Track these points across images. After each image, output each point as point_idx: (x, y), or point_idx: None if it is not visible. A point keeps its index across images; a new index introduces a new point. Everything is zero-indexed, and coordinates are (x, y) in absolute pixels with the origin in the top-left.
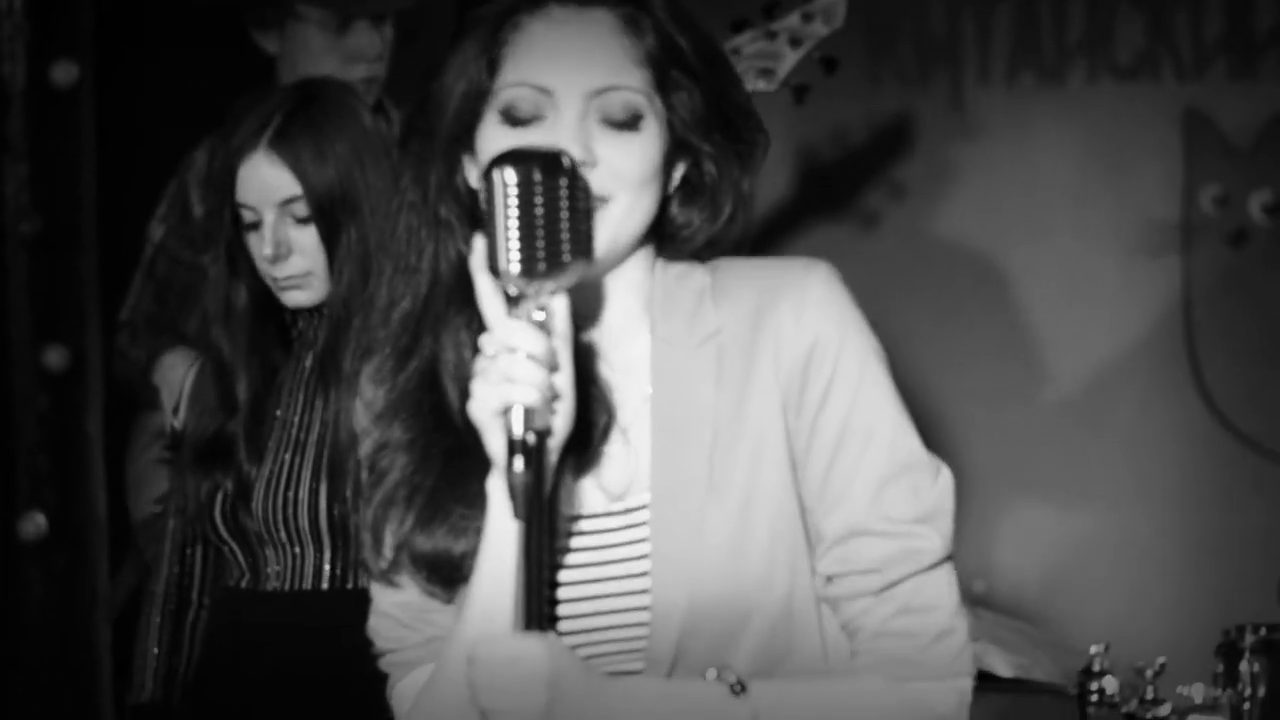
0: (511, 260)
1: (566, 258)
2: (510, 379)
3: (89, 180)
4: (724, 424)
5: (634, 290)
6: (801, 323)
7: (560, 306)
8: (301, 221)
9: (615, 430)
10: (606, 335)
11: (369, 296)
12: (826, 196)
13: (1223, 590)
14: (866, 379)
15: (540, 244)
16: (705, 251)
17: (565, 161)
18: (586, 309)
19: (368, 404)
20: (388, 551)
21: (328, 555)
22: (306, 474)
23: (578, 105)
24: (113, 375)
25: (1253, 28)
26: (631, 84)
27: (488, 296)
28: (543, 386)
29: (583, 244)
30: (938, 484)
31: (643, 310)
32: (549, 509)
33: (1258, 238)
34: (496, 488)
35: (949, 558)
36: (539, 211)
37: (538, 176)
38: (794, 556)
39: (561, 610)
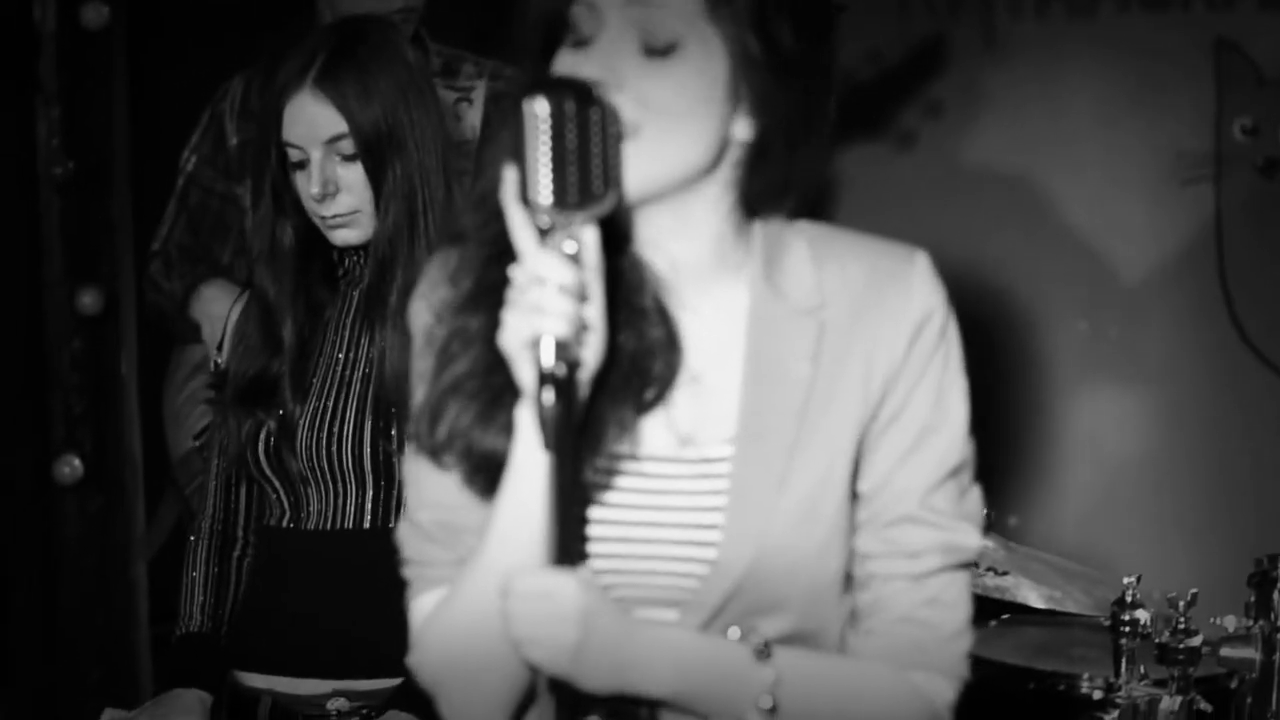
0: (543, 192)
1: (598, 189)
2: (540, 310)
3: (121, 122)
4: (815, 398)
5: (714, 235)
6: (906, 310)
7: (591, 238)
8: (348, 159)
9: (686, 373)
10: (683, 277)
11: (420, 229)
12: (862, 115)
13: (1255, 520)
14: (951, 372)
15: (572, 176)
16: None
17: (599, 93)
18: (664, 244)
19: (437, 301)
20: (441, 435)
21: (370, 494)
22: (351, 412)
23: (616, 18)
24: (146, 306)
25: None
26: (672, 2)
27: (519, 227)
28: (573, 318)
29: (615, 176)
30: (975, 488)
31: (723, 259)
32: (606, 441)
33: None
34: (525, 418)
35: (973, 564)
36: (571, 143)
37: (570, 108)
38: (844, 541)
39: (608, 548)
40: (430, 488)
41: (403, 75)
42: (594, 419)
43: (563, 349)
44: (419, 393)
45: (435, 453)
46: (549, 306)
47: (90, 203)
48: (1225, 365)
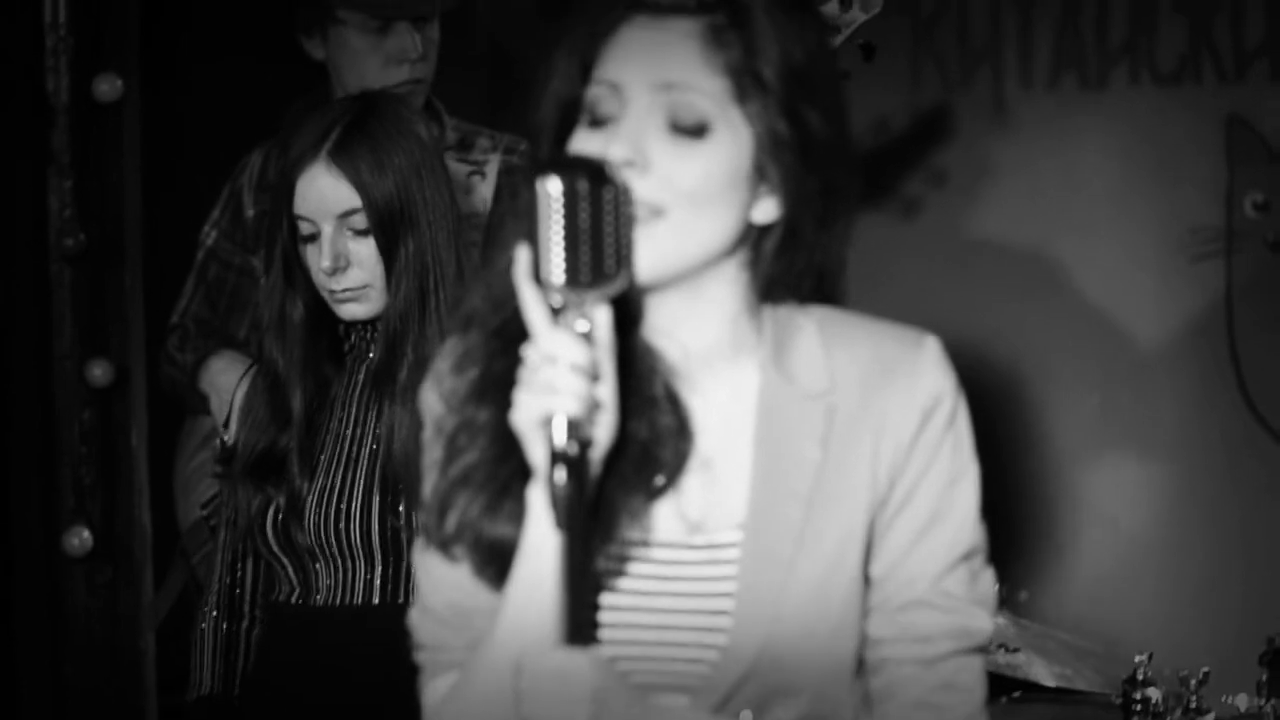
0: (555, 271)
1: (611, 269)
2: (553, 389)
3: (133, 194)
4: (824, 482)
5: (727, 319)
6: (914, 396)
7: (604, 317)
8: (360, 234)
9: (696, 459)
10: (694, 362)
11: (431, 306)
12: (867, 182)
13: (1268, 597)
14: (961, 458)
15: (585, 255)
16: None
17: (613, 172)
18: (675, 331)
19: (447, 391)
20: (451, 527)
21: (379, 570)
22: (359, 488)
23: (643, 99)
24: (160, 379)
25: None
26: (702, 86)
27: (532, 305)
28: (585, 397)
29: (628, 256)
30: (988, 571)
31: (734, 342)
32: (617, 528)
33: None
34: (537, 498)
35: (986, 647)
36: (584, 222)
37: (584, 187)
38: (856, 627)
39: (620, 634)
40: (442, 577)
41: (416, 151)
42: (605, 505)
43: (575, 428)
44: (429, 483)
45: (445, 545)
46: (561, 385)
47: (101, 275)
48: (1236, 440)
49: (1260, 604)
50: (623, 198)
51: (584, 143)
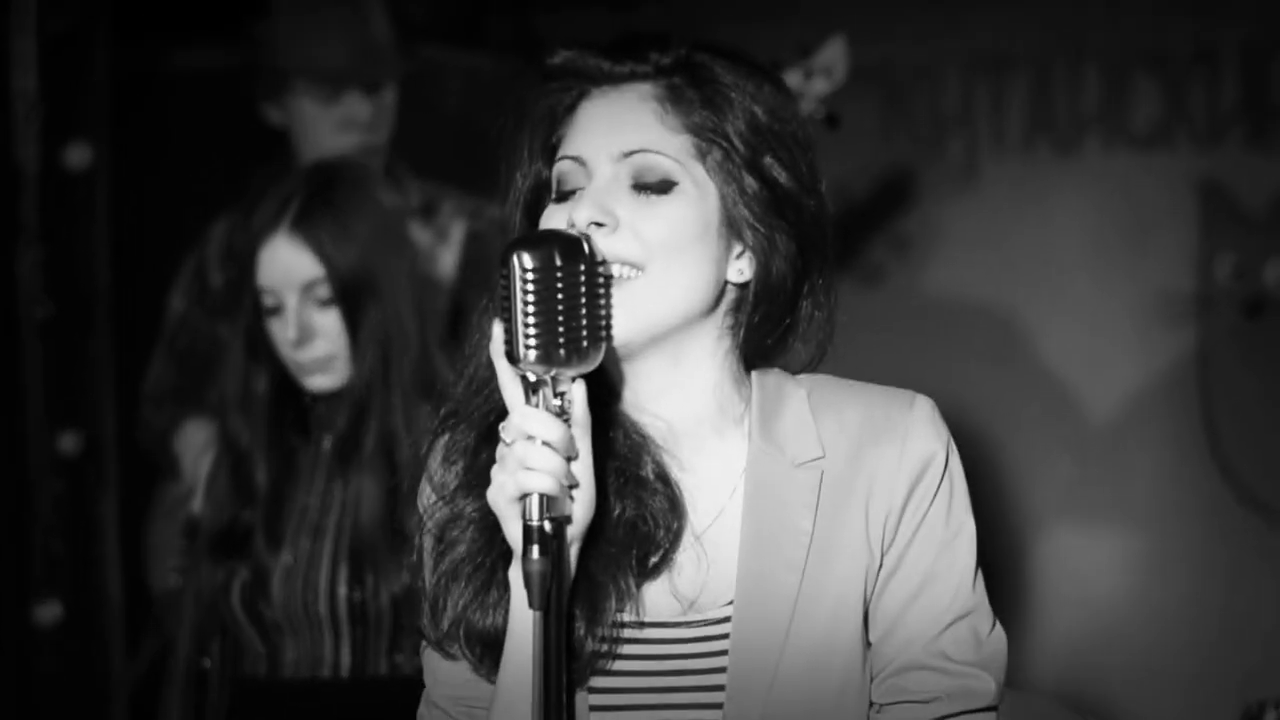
0: (529, 347)
1: (585, 344)
2: (527, 466)
3: (103, 263)
4: (816, 551)
5: (710, 388)
6: (903, 459)
7: (579, 393)
8: (324, 304)
9: (688, 536)
10: (681, 437)
11: (395, 375)
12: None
13: (1243, 664)
14: (956, 518)
15: (559, 330)
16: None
17: (586, 246)
18: (659, 403)
19: (438, 484)
20: (445, 624)
21: (346, 642)
22: (325, 560)
23: (606, 169)
24: (138, 446)
25: (1268, 96)
26: (663, 149)
27: (506, 382)
28: (560, 474)
29: (601, 330)
30: (995, 633)
31: (719, 413)
32: (609, 610)
33: (1273, 307)
34: (515, 578)
35: (995, 708)
36: (558, 297)
37: (557, 261)
38: (861, 693)
39: (621, 717)
40: (443, 673)
41: (378, 219)
42: (596, 587)
43: (550, 505)
44: (426, 577)
45: (441, 644)
46: (536, 463)
47: (71, 344)
48: (1210, 505)
49: (1236, 670)
50: (597, 271)
51: (553, 216)
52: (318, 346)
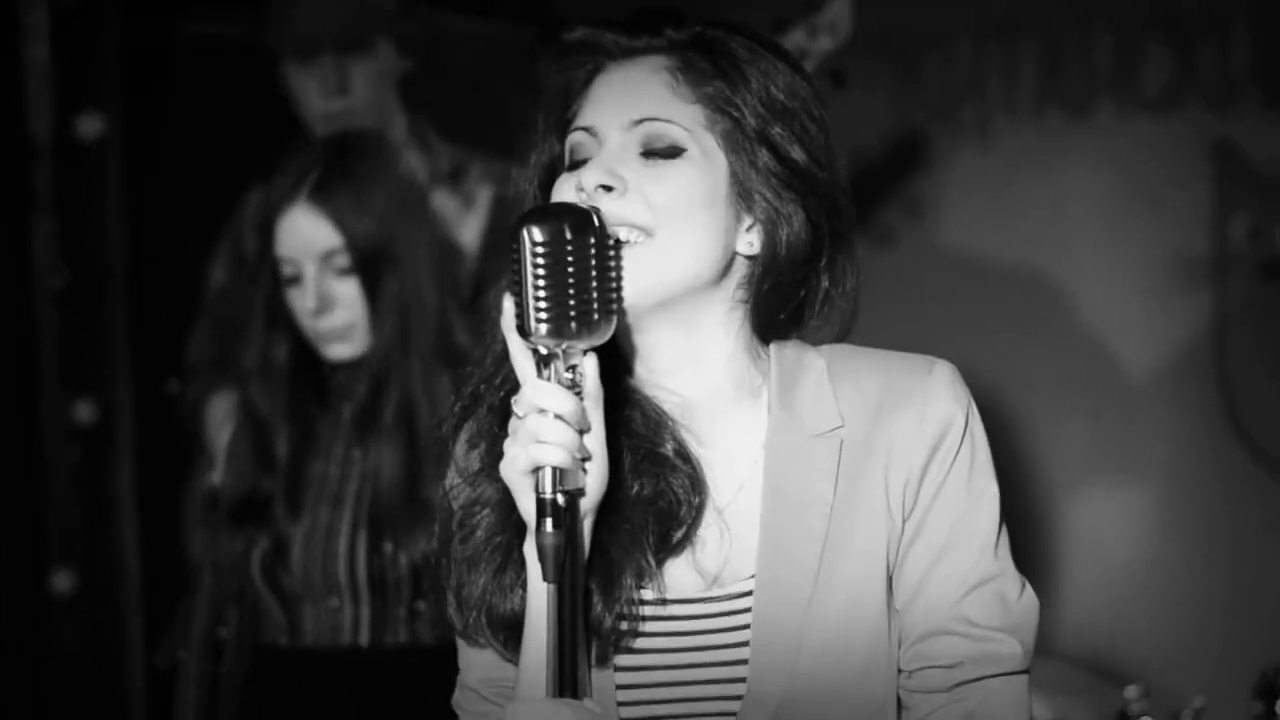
0: (540, 320)
1: (596, 317)
2: (539, 439)
3: (117, 233)
4: (838, 520)
5: (727, 364)
6: (923, 424)
7: (591, 367)
8: (343, 273)
9: (710, 511)
10: (698, 411)
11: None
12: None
13: (1261, 628)
14: (978, 483)
15: (569, 303)
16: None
17: (596, 219)
18: (674, 376)
19: (462, 468)
20: (470, 616)
21: (366, 609)
22: (344, 528)
23: (616, 137)
24: (159, 415)
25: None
26: (672, 117)
27: (518, 356)
28: (572, 447)
29: (612, 303)
30: (1024, 597)
31: (736, 385)
32: (632, 587)
33: None
34: (530, 552)
35: (1026, 671)
36: (568, 270)
37: (567, 234)
38: (890, 661)
39: (641, 694)
40: (475, 657)
41: (397, 189)
42: (613, 565)
43: (563, 478)
44: (451, 565)
45: (467, 634)
46: (548, 436)
47: (87, 314)
48: (1227, 468)
49: (1254, 635)
50: (607, 244)
51: (563, 185)
52: (337, 315)
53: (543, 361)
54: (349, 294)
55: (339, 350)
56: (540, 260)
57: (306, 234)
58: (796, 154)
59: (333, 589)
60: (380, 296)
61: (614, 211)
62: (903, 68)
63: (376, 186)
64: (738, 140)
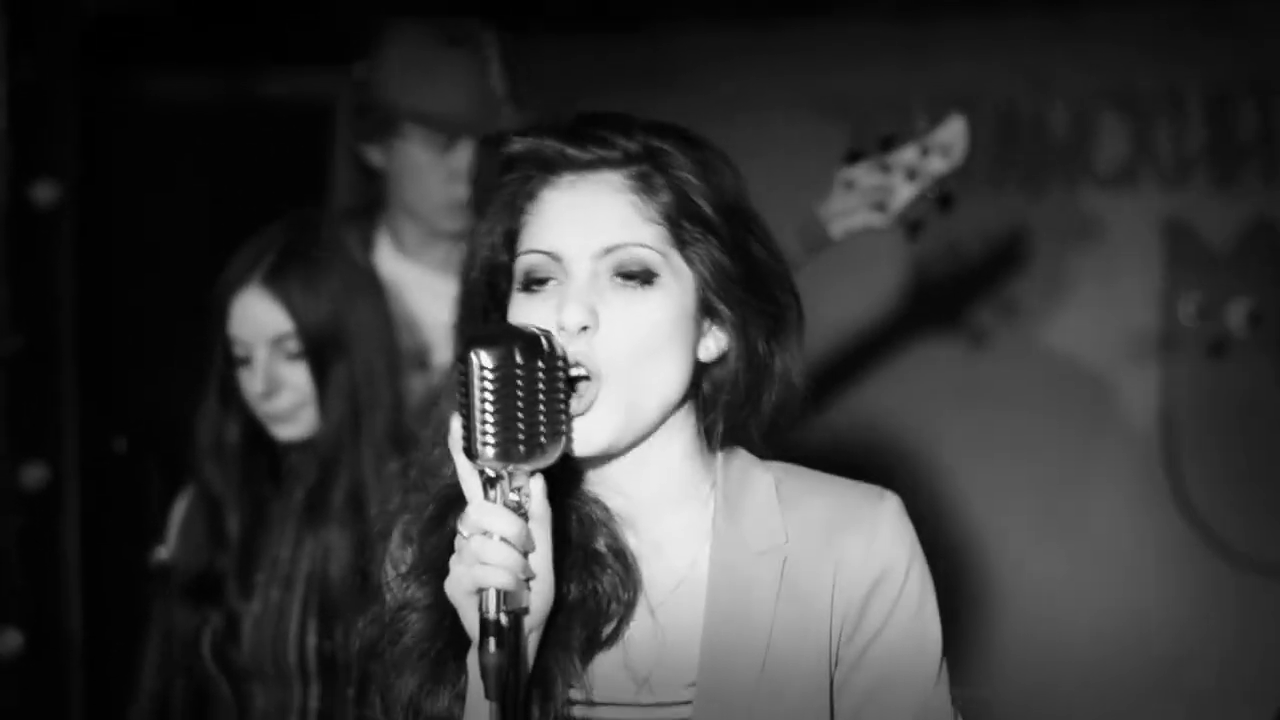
0: (487, 444)
1: (544, 440)
2: (483, 561)
3: (69, 299)
4: (778, 638)
5: (676, 468)
6: (870, 554)
7: (538, 488)
8: (293, 357)
9: (643, 608)
10: (639, 508)
11: (365, 428)
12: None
13: (1204, 706)
14: (920, 623)
15: (517, 427)
16: (751, 432)
17: (545, 343)
18: (619, 480)
19: (395, 561)
20: (397, 714)
21: (315, 691)
22: (295, 610)
23: (587, 266)
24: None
25: (1233, 138)
26: (642, 239)
27: (465, 476)
28: (516, 569)
29: (560, 427)
30: None
31: (681, 488)
32: (561, 686)
33: (1237, 347)
34: (473, 666)
35: None
36: (517, 394)
37: (517, 359)
38: None
39: None
40: None
41: (350, 275)
42: (547, 664)
43: (506, 598)
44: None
45: None
46: (492, 558)
47: (37, 378)
48: (1172, 544)
49: (1198, 711)
50: (556, 367)
51: (525, 307)
52: (284, 398)
53: (489, 482)
54: (298, 378)
55: (287, 431)
56: (489, 385)
57: (259, 317)
58: (758, 252)
59: (282, 671)
60: (329, 381)
61: (586, 352)
62: (858, 134)
63: (330, 272)
64: (706, 253)
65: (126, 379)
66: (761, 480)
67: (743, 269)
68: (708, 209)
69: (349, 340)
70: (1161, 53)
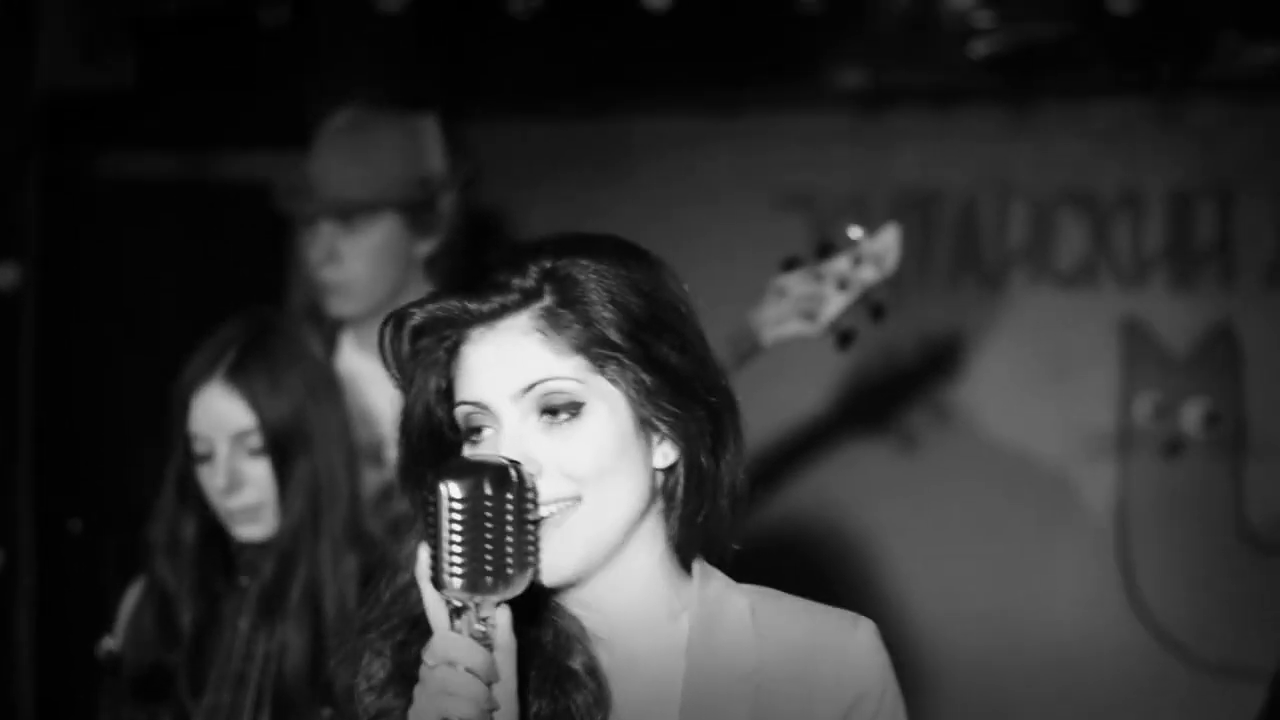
0: (455, 574)
1: (511, 572)
2: (448, 692)
3: (28, 380)
4: None
5: (648, 584)
6: (842, 682)
7: (504, 618)
8: (255, 454)
9: None
10: (612, 626)
11: (324, 525)
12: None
13: None
14: None
15: (485, 558)
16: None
17: (514, 474)
18: (592, 597)
19: (368, 675)
20: None
21: None
22: (248, 707)
23: (510, 409)
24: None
25: (1191, 240)
26: (559, 373)
27: (431, 605)
28: (481, 700)
29: (528, 557)
30: None
31: (654, 604)
32: None
33: (1193, 448)
34: None
35: None
36: (486, 526)
37: (486, 490)
38: None
39: None
40: None
41: (311, 370)
42: None
43: None
44: None
45: None
46: (457, 688)
47: None
48: (1124, 643)
49: None
50: (525, 497)
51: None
52: (246, 494)
53: (455, 612)
54: (259, 474)
55: (249, 531)
56: (457, 517)
57: (220, 413)
58: (677, 361)
59: None
60: (291, 477)
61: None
62: (817, 230)
63: (292, 368)
64: (626, 374)
65: (85, 461)
66: (737, 605)
67: (662, 381)
68: (615, 332)
69: (311, 436)
70: (1120, 152)
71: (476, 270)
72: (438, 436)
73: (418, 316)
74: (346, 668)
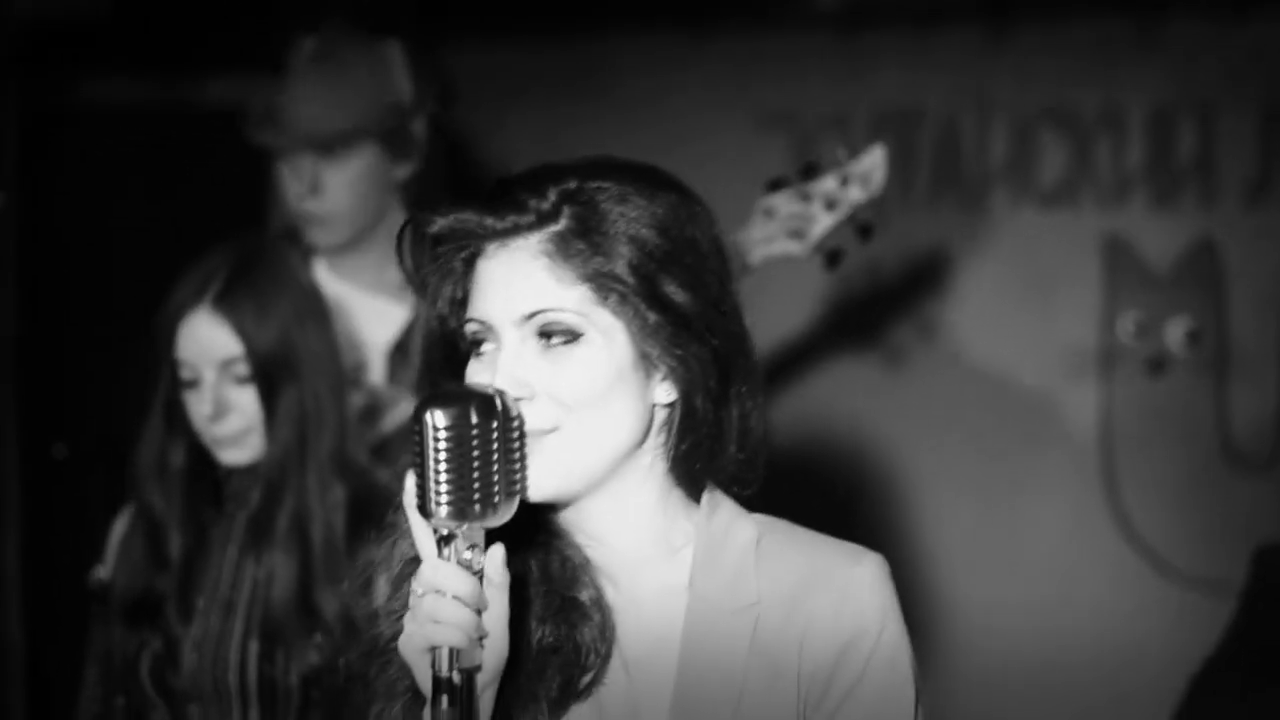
0: (441, 502)
1: (498, 499)
2: (436, 619)
3: (11, 305)
4: (749, 696)
5: (650, 518)
6: (839, 616)
7: (498, 552)
8: (241, 381)
9: (617, 660)
10: (617, 560)
11: (311, 453)
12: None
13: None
14: (893, 684)
15: (472, 485)
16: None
17: (499, 402)
18: (596, 529)
19: (386, 601)
20: None
21: (255, 715)
22: (236, 634)
23: (511, 333)
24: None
25: (1172, 157)
26: (561, 304)
27: (418, 533)
28: (469, 627)
29: (515, 485)
30: None
31: (658, 538)
32: None
33: (1176, 366)
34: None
35: None
36: (472, 454)
37: (472, 418)
38: None
39: None
40: None
41: (299, 298)
42: (526, 710)
43: (459, 656)
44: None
45: None
46: (445, 616)
47: None
48: (1111, 562)
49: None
50: (511, 426)
51: (474, 370)
52: (232, 421)
53: (443, 540)
54: (246, 401)
55: (233, 455)
56: (443, 445)
57: (207, 341)
58: (686, 302)
59: (222, 695)
60: (277, 406)
61: (526, 416)
62: (799, 149)
63: (280, 296)
64: (628, 308)
65: (69, 388)
66: (742, 535)
67: (664, 319)
68: (625, 264)
69: (298, 365)
70: (1100, 69)
71: (501, 185)
72: (451, 346)
73: (437, 224)
74: (359, 595)
